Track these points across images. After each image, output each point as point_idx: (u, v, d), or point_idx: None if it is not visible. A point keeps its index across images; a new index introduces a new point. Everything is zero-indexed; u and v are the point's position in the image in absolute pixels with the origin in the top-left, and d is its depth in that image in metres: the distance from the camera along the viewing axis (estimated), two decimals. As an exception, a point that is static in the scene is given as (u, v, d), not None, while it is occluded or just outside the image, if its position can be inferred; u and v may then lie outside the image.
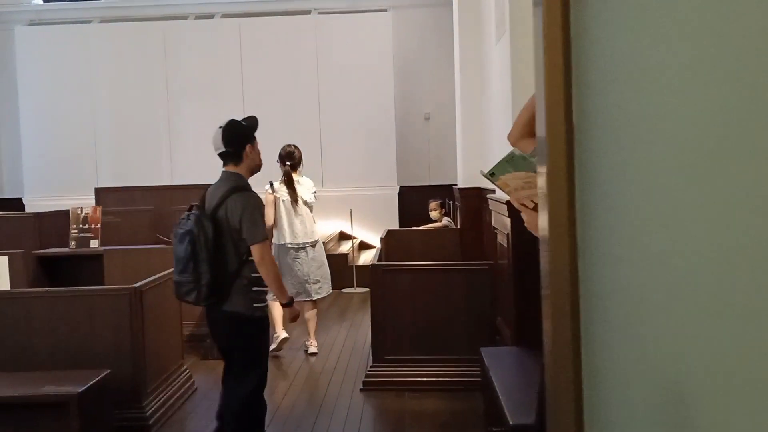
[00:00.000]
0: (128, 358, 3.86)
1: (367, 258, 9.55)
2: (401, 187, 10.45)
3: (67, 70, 10.29)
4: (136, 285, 3.94)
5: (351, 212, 8.96)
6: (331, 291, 5.88)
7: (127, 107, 10.33)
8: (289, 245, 5.59)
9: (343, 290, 8.54)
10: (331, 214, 10.08)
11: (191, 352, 5.35)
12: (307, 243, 5.61)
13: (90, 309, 3.88)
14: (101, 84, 10.30)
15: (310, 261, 5.60)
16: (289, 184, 5.57)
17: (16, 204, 10.32)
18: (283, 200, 5.60)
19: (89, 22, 10.63)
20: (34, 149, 10.35)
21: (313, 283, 5.63)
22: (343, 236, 10.18)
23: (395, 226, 10.17)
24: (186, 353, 4.91)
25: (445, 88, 11.04)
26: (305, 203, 5.60)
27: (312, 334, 5.72)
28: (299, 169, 5.71)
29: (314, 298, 5.66)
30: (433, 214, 7.87)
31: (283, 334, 5.56)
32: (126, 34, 10.35)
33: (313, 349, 5.67)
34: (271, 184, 5.64)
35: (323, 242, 5.97)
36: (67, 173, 10.28)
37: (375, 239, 10.22)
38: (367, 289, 8.56)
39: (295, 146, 5.73)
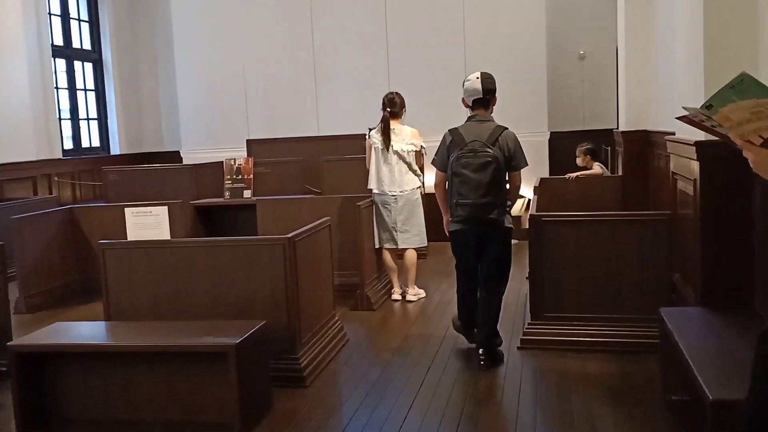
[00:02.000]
0: (283, 309, 3.81)
1: (515, 207, 9.13)
2: (552, 133, 9.84)
3: (219, 24, 10.51)
4: (290, 235, 3.85)
5: (500, 160, 8.52)
6: (424, 243, 5.79)
7: (275, 59, 10.41)
8: (376, 192, 5.59)
9: (493, 241, 8.21)
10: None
11: (342, 302, 5.28)
12: (395, 192, 5.51)
13: (246, 259, 3.85)
14: (251, 37, 10.43)
15: (399, 209, 5.53)
16: (385, 130, 5.50)
17: (174, 156, 10.82)
18: (375, 147, 5.58)
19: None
20: (190, 103, 10.73)
21: (401, 232, 5.56)
22: (491, 186, 9.79)
23: (545, 174, 9.64)
24: (337, 304, 4.82)
25: (602, 24, 10.19)
26: (396, 153, 5.47)
27: (411, 282, 5.68)
28: (401, 117, 5.62)
29: (400, 247, 5.62)
30: (579, 161, 7.30)
31: (399, 294, 5.70)
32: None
33: (411, 297, 5.64)
34: (369, 131, 5.66)
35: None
36: (220, 126, 10.58)
37: (524, 190, 9.75)
38: (517, 241, 8.18)
39: (396, 93, 5.65)
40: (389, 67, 10.02)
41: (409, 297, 5.62)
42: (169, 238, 6.25)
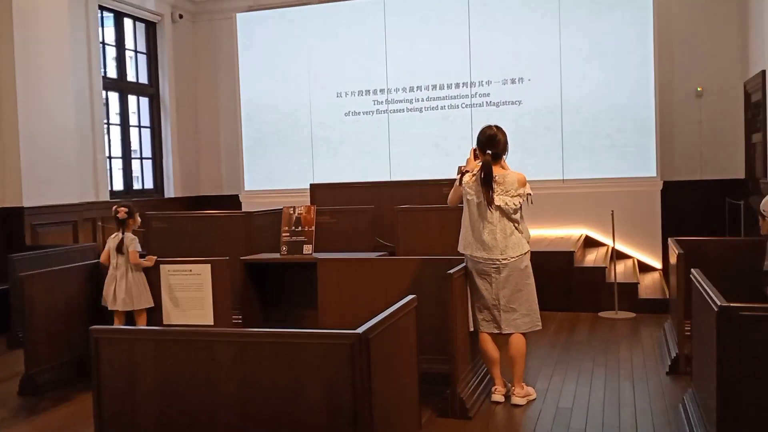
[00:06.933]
0: (349, 445, 2.50)
1: (622, 271, 7.61)
2: (666, 183, 8.34)
3: (286, 59, 9.57)
4: (361, 330, 2.56)
5: (613, 215, 7.06)
6: (538, 326, 4.22)
7: (345, 94, 9.37)
8: (472, 258, 4.16)
9: (600, 314, 6.73)
10: (573, 214, 8.30)
11: (424, 400, 3.84)
12: (497, 259, 4.08)
13: (294, 362, 2.57)
14: (319, 69, 9.43)
15: (502, 282, 4.09)
16: (486, 180, 4.05)
17: (233, 200, 9.83)
18: (468, 199, 4.16)
19: (308, 3, 9.80)
20: (253, 143, 9.77)
21: (506, 312, 4.12)
22: (590, 242, 8.33)
23: (657, 230, 8.14)
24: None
25: (722, 54, 8.75)
26: (498, 208, 4.06)
27: (518, 379, 4.22)
28: (503, 159, 4.18)
29: (504, 332, 4.16)
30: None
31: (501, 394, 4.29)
32: (344, 15, 9.38)
33: (518, 400, 4.17)
34: (461, 175, 4.21)
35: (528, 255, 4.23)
36: (284, 169, 9.59)
37: (629, 249, 8.25)
38: (633, 314, 6.70)
39: (497, 127, 4.19)
40: (472, 106, 8.81)
41: (515, 400, 4.16)
42: (211, 301, 5.14)
